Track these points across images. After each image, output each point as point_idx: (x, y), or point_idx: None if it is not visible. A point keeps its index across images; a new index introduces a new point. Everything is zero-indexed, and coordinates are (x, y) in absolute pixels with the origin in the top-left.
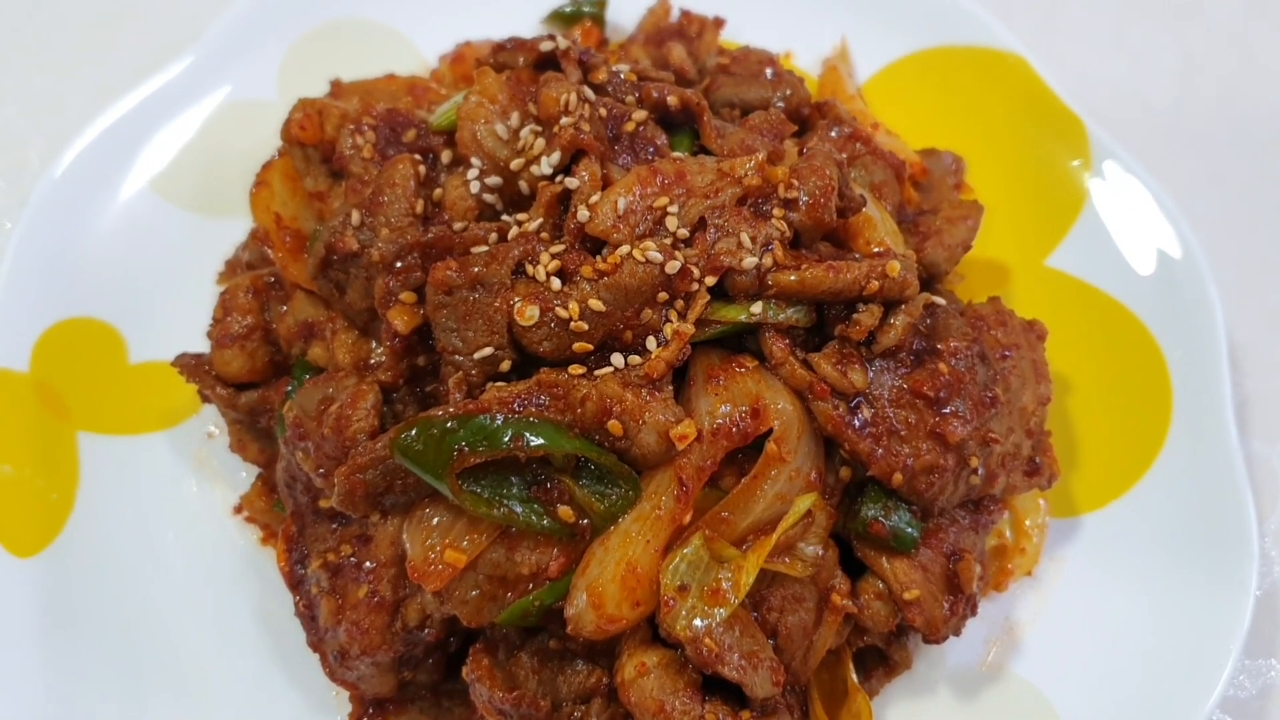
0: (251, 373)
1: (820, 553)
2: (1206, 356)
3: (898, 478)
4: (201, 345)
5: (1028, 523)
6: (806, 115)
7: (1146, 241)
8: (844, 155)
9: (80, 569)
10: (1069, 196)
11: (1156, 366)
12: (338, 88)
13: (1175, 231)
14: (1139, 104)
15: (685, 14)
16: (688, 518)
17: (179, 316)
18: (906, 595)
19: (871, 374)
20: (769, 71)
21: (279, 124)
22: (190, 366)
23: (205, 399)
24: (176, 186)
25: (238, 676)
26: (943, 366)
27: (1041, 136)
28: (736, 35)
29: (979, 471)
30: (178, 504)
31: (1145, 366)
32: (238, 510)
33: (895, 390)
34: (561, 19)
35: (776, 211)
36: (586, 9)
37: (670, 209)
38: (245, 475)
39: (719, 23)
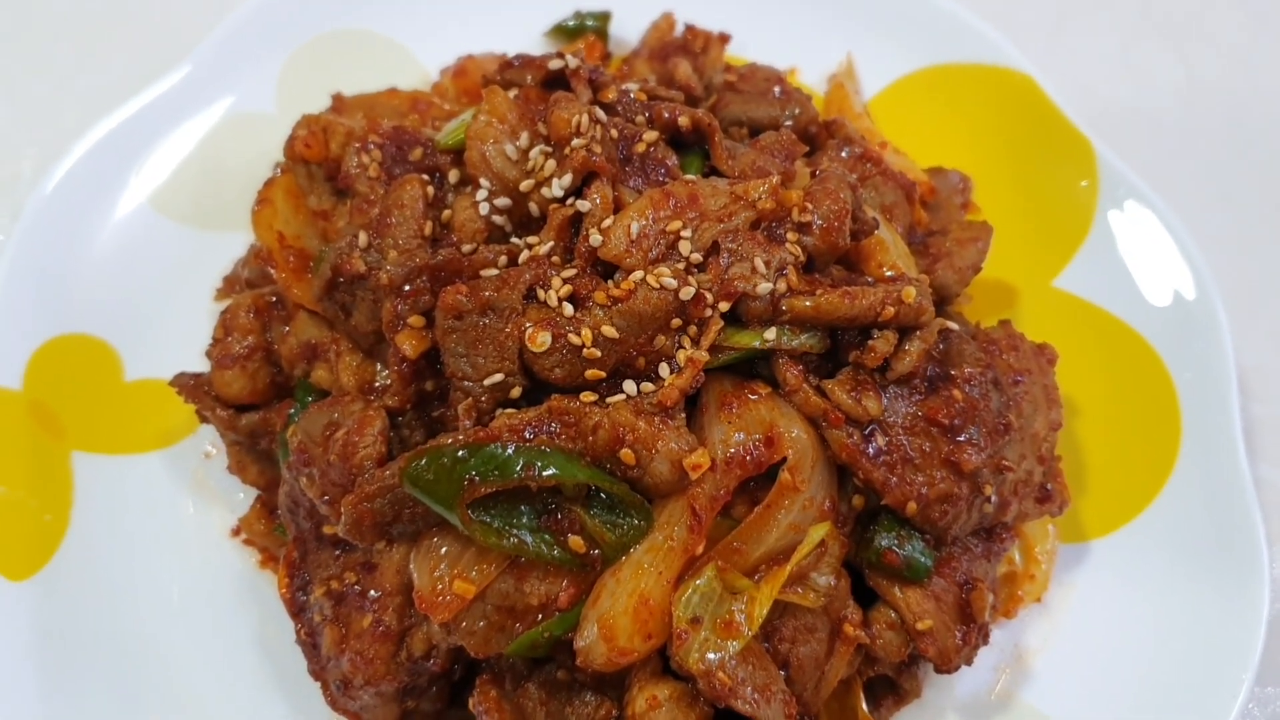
0: (252, 394)
1: (833, 583)
2: (1216, 379)
3: (912, 507)
4: (199, 362)
5: (1037, 549)
6: (815, 134)
7: (1155, 262)
8: (855, 176)
9: (75, 592)
10: (1076, 217)
11: (1165, 390)
12: (340, 102)
13: (1183, 252)
14: (1145, 123)
15: (690, 29)
16: (700, 548)
17: (176, 333)
18: (919, 625)
19: (886, 401)
20: (777, 89)
21: (278, 137)
22: (189, 387)
23: (204, 419)
24: (173, 200)
25: (236, 704)
26: (957, 393)
27: (1048, 156)
28: (741, 51)
29: (992, 500)
30: (174, 525)
31: (1153, 390)
32: (236, 533)
33: (909, 417)
34: (564, 33)
35: (790, 235)
36: (590, 23)
37: (683, 233)
38: (243, 496)
39: (724, 38)
